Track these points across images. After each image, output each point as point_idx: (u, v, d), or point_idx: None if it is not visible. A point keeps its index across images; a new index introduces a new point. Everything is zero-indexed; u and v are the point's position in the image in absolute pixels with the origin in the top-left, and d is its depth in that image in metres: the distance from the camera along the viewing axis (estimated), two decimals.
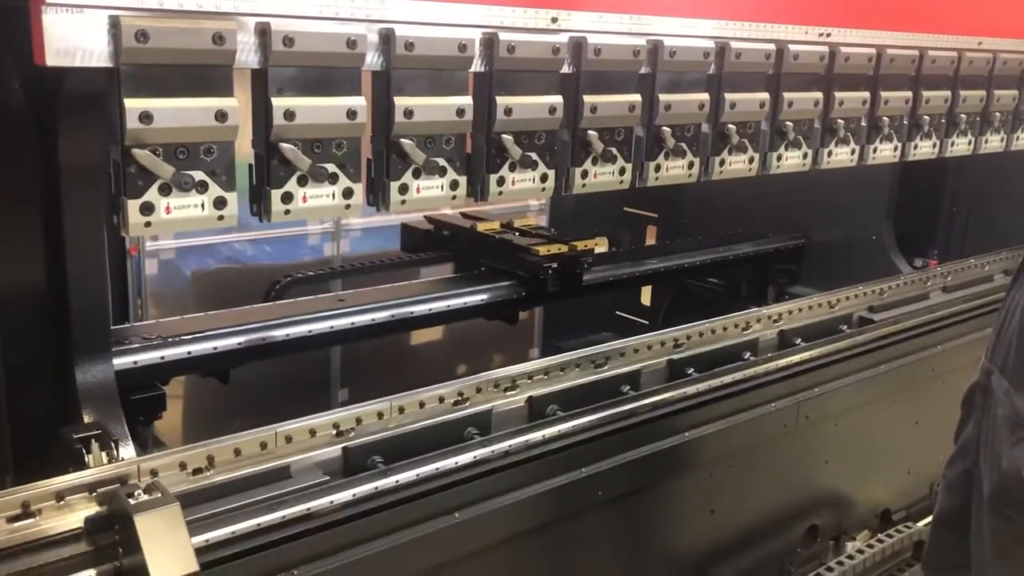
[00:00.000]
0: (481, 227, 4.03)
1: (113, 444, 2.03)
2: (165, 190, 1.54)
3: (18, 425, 2.24)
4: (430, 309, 3.39)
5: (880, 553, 3.12)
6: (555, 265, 3.62)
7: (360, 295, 3.35)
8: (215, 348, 2.78)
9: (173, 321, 2.92)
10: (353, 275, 4.16)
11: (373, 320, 3.20)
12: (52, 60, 1.40)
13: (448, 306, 3.45)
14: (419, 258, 4.15)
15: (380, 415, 2.28)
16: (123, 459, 2.03)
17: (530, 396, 2.54)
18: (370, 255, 4.66)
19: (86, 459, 1.97)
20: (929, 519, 3.46)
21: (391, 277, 3.92)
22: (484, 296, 3.57)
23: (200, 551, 1.75)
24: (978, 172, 4.49)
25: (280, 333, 2.96)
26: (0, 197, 2.14)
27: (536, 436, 2.35)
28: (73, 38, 1.41)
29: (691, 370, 2.86)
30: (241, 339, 2.85)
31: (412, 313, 3.32)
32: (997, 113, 3.05)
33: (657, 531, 2.72)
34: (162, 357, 2.66)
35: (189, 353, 2.72)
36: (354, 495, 2.02)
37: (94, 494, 1.79)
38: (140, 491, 1.74)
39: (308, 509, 1.96)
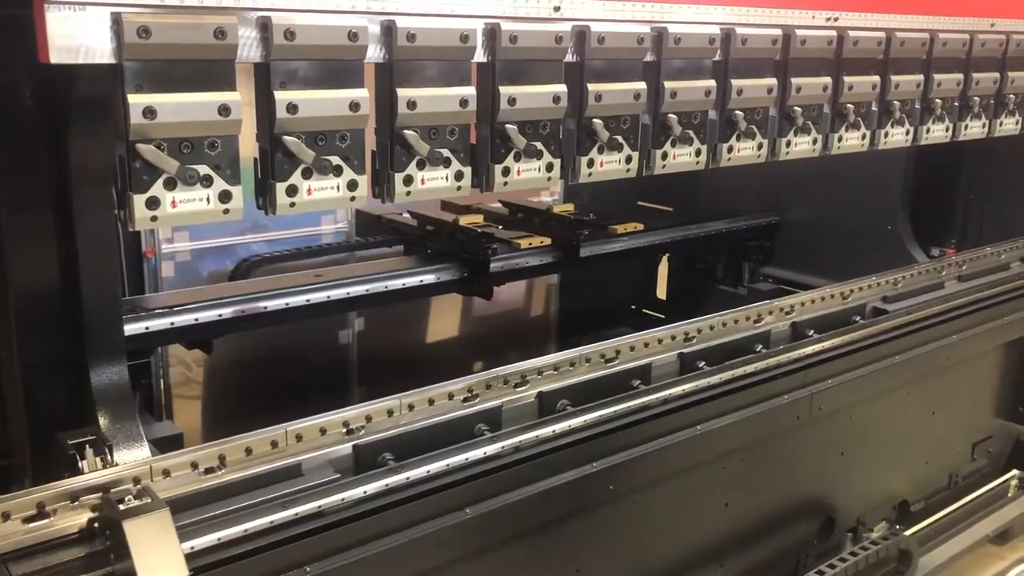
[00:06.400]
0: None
1: (107, 449, 2.00)
2: (170, 184, 1.55)
3: (35, 426, 2.25)
4: (387, 286, 3.58)
5: (864, 561, 3.02)
6: (495, 246, 3.75)
7: (325, 273, 3.57)
8: (196, 319, 2.98)
9: (156, 296, 3.16)
10: (311, 256, 4.49)
11: (328, 297, 3.40)
12: (56, 58, 1.41)
13: (405, 284, 3.63)
14: (370, 241, 4.44)
15: (390, 412, 2.28)
16: (135, 459, 2.03)
17: (540, 392, 2.52)
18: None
19: (79, 464, 1.93)
20: (945, 512, 3.43)
21: (346, 259, 4.27)
22: (431, 276, 3.73)
23: (212, 549, 1.76)
24: (995, 160, 4.43)
25: (235, 309, 3.18)
26: (14, 201, 2.15)
27: (546, 431, 2.34)
28: (76, 35, 1.42)
29: (702, 363, 2.83)
30: (216, 311, 3.05)
31: (367, 291, 3.51)
32: (1012, 95, 3.01)
33: (670, 525, 2.70)
34: (147, 328, 2.82)
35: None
36: (365, 492, 2.02)
37: (87, 499, 1.77)
38: (131, 497, 1.73)
39: (320, 507, 1.96)
